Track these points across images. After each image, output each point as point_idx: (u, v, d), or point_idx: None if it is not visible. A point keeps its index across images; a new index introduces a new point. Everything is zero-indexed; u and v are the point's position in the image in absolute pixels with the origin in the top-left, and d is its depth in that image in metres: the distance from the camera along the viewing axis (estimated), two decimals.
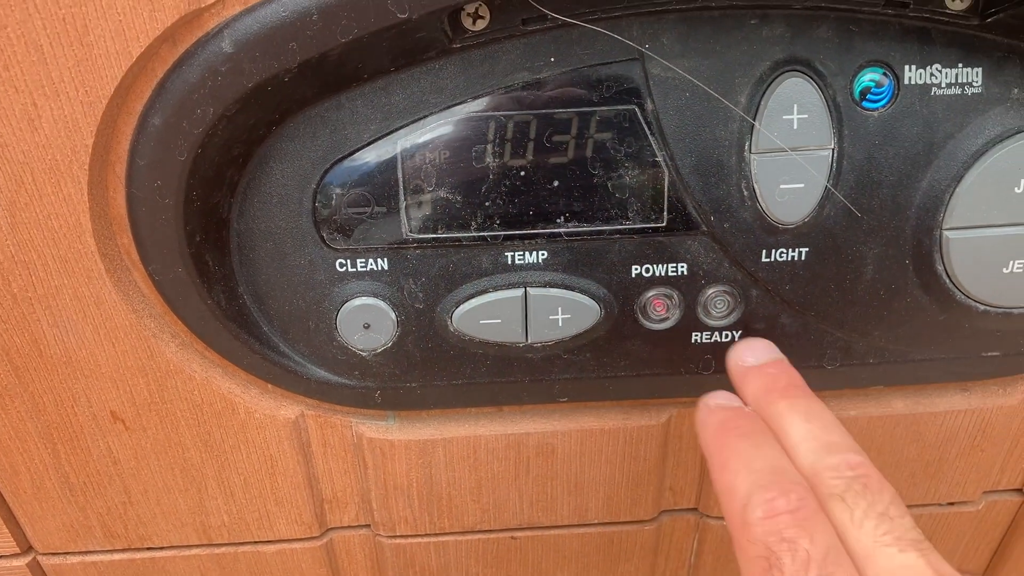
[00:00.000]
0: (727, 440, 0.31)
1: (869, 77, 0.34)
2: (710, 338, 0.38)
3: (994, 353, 0.39)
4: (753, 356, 0.35)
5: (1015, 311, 0.37)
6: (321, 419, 0.40)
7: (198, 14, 0.28)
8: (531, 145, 0.34)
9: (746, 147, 0.34)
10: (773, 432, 0.32)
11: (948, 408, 0.41)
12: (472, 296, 0.37)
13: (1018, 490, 0.46)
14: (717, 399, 0.34)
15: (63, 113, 0.30)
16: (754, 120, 0.33)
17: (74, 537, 0.43)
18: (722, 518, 0.44)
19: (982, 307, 0.37)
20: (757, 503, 0.28)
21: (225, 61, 0.29)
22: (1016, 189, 0.35)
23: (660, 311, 0.37)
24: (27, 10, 0.27)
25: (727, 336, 0.38)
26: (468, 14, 0.32)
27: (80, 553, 0.44)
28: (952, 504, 0.46)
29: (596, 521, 0.45)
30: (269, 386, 0.39)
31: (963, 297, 0.37)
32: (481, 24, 0.32)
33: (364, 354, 0.38)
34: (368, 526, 0.45)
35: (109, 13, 0.28)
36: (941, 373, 0.40)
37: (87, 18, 0.28)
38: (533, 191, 0.35)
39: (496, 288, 0.37)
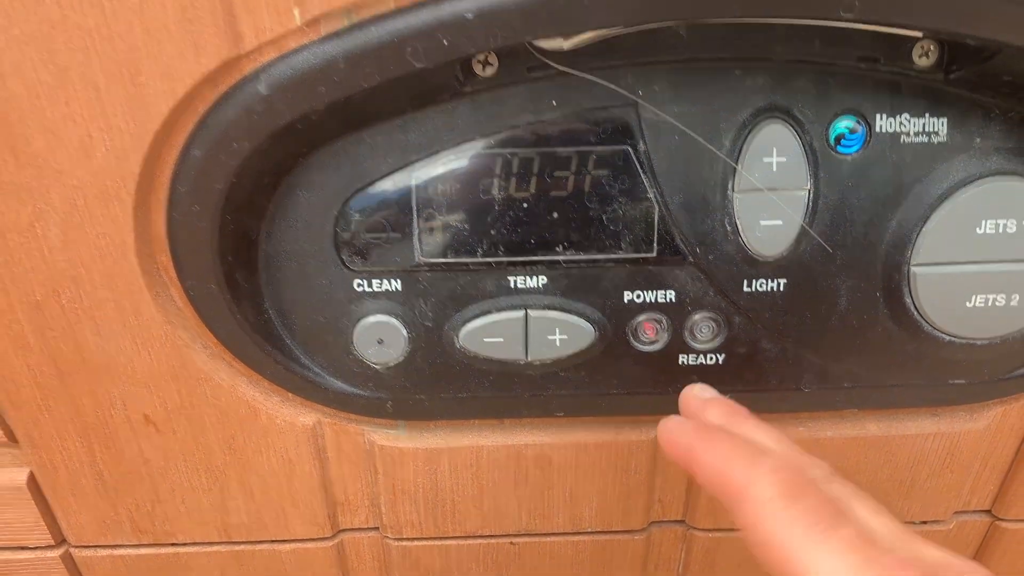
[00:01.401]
0: (712, 434, 0.33)
1: (843, 124, 0.36)
2: (696, 360, 0.41)
3: (960, 381, 0.42)
4: (708, 392, 0.38)
5: (978, 342, 0.40)
6: (337, 427, 0.43)
7: (237, 59, 0.32)
8: (533, 180, 0.37)
9: (729, 186, 0.37)
10: None
11: (919, 431, 0.44)
12: (477, 316, 0.40)
13: (987, 511, 0.48)
14: (677, 418, 0.36)
15: (115, 144, 0.33)
16: (736, 163, 0.36)
17: (104, 531, 0.47)
18: (709, 530, 0.47)
19: (947, 338, 0.40)
20: (766, 470, 0.30)
21: (260, 102, 0.32)
22: (978, 230, 0.37)
23: (650, 334, 0.40)
24: (87, 53, 0.31)
25: (712, 359, 0.41)
26: (478, 61, 0.35)
27: (109, 547, 0.47)
28: (924, 523, 0.48)
29: (589, 530, 0.48)
30: (289, 395, 0.42)
31: (930, 328, 0.39)
32: (490, 71, 0.35)
33: (378, 367, 0.41)
34: (377, 528, 0.48)
35: (159, 58, 0.31)
36: (912, 398, 0.43)
37: (139, 62, 0.31)
38: (535, 221, 0.38)
39: (499, 309, 0.40)
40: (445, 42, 0.31)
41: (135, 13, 0.30)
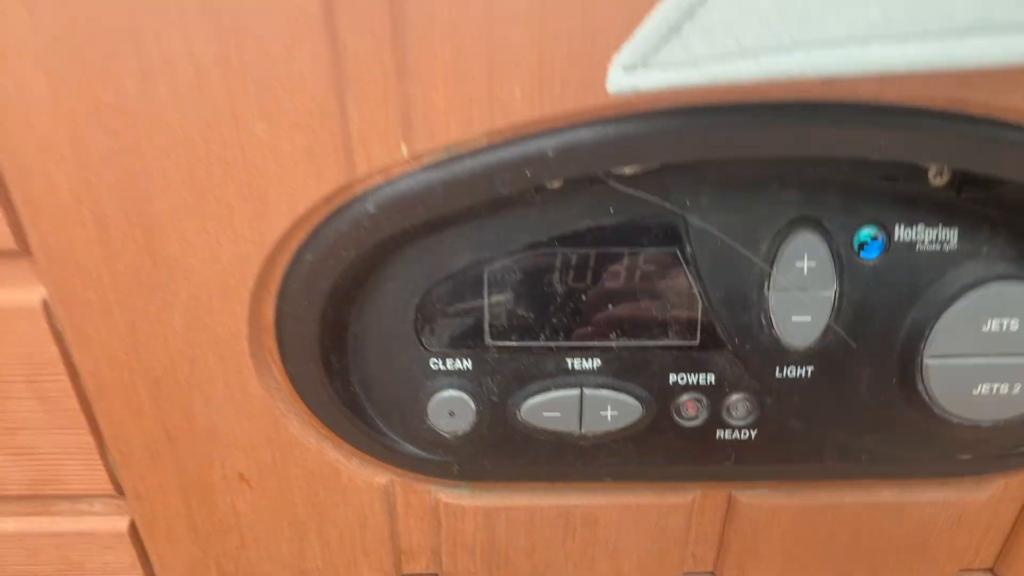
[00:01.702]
0: None
1: (866, 233, 0.41)
2: (731, 435, 0.46)
3: (967, 456, 0.46)
4: None
5: (983, 423, 0.44)
6: (407, 485, 0.48)
7: (350, 184, 0.37)
8: (590, 274, 0.42)
9: (765, 286, 0.42)
10: None
11: (929, 499, 0.48)
12: (538, 393, 0.44)
13: (989, 570, 0.53)
14: None
15: (239, 251, 0.38)
16: (771, 266, 0.41)
17: (192, 573, 0.52)
18: None
19: (956, 419, 0.44)
20: None
21: (368, 219, 0.38)
22: (983, 327, 0.41)
23: (691, 412, 0.45)
24: (225, 180, 0.36)
25: (745, 434, 0.45)
26: None
27: None
28: None
29: None
30: (368, 457, 0.47)
31: (940, 411, 0.43)
32: (557, 184, 0.40)
33: (447, 436, 0.46)
34: (436, 575, 0.53)
35: (285, 183, 0.36)
36: (923, 470, 0.47)
37: (268, 186, 0.36)
38: (591, 311, 0.43)
39: (557, 387, 0.44)
40: (528, 173, 0.36)
41: (269, 148, 0.35)
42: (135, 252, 0.38)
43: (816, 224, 0.41)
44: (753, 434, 0.45)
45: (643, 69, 0.30)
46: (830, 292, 0.42)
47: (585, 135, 0.36)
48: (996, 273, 0.42)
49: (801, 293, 0.42)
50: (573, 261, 0.42)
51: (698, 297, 0.42)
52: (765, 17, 0.29)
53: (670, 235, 0.41)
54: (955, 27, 0.28)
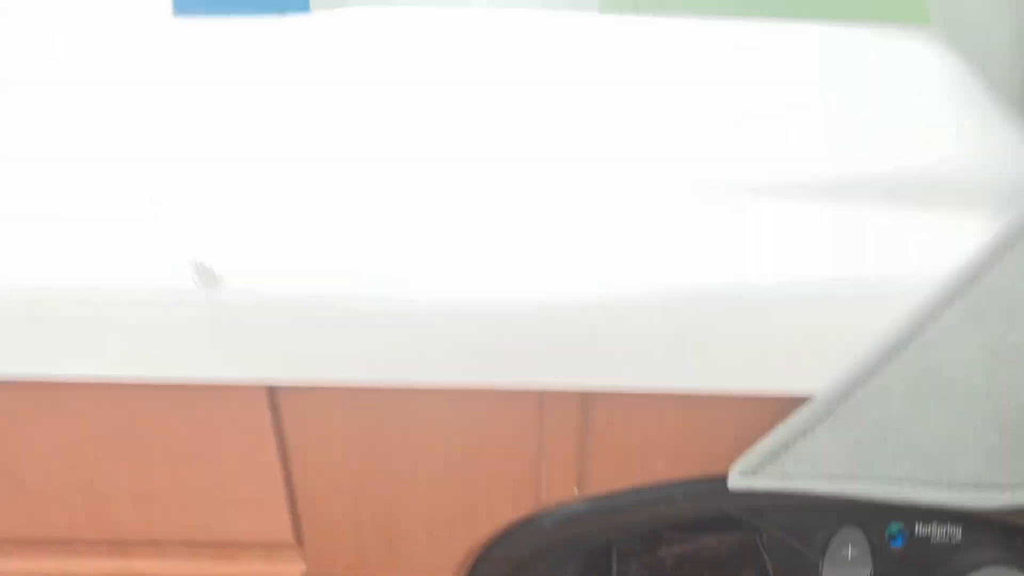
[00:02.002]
0: None
1: (895, 529, 0.57)
2: None
3: None
4: None
5: None
6: None
7: (536, 510, 0.53)
8: (691, 551, 0.58)
9: (820, 565, 0.58)
10: None
11: None
12: None
13: None
14: None
15: (450, 546, 0.54)
16: (823, 554, 0.57)
17: None
18: None
19: None
20: None
21: (543, 532, 0.53)
22: None
23: None
24: (451, 505, 0.52)
25: None
26: None
27: None
28: None
29: None
30: None
31: None
32: None
33: None
34: None
35: (491, 509, 0.52)
36: None
37: (478, 510, 0.52)
38: None
39: None
40: (661, 508, 0.52)
41: (485, 490, 0.51)
42: (377, 546, 0.54)
43: (857, 522, 0.56)
44: None
45: (753, 476, 0.46)
46: (867, 572, 0.57)
47: (704, 488, 0.51)
48: (990, 559, 0.57)
49: (845, 573, 0.57)
50: (677, 542, 0.58)
51: (770, 572, 0.57)
52: (836, 457, 0.45)
53: (749, 529, 0.57)
54: (958, 482, 0.44)
